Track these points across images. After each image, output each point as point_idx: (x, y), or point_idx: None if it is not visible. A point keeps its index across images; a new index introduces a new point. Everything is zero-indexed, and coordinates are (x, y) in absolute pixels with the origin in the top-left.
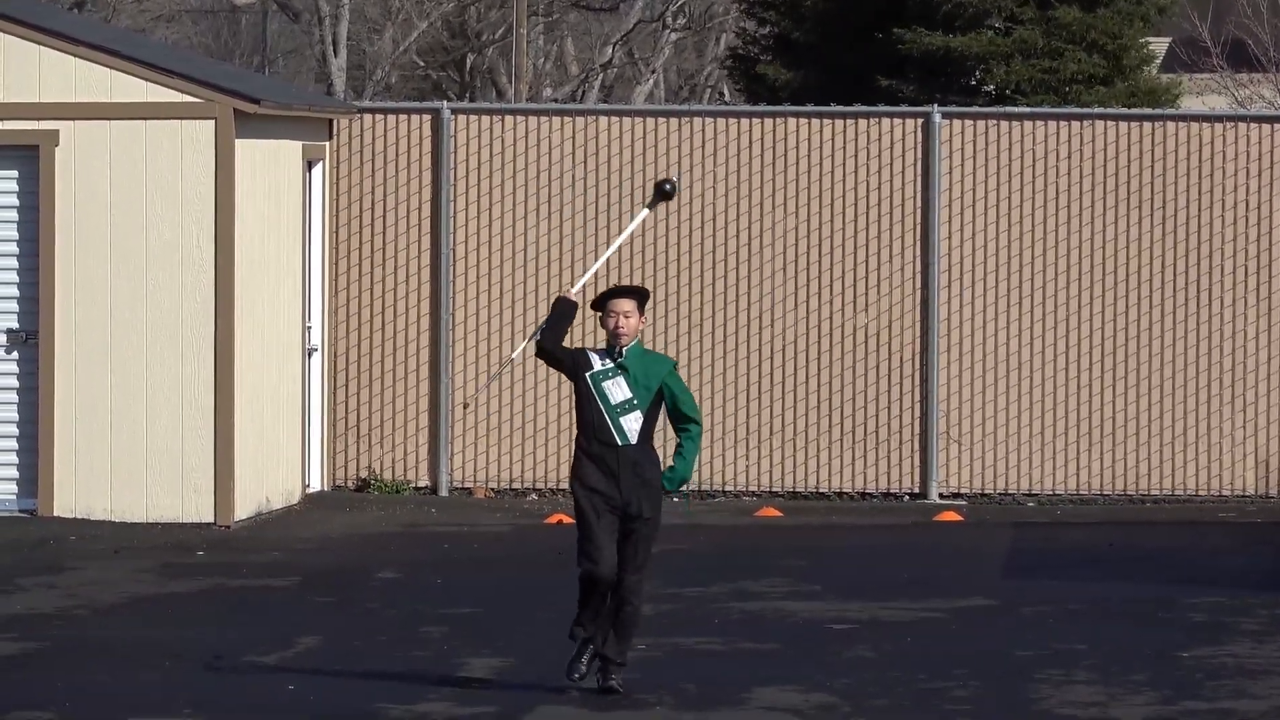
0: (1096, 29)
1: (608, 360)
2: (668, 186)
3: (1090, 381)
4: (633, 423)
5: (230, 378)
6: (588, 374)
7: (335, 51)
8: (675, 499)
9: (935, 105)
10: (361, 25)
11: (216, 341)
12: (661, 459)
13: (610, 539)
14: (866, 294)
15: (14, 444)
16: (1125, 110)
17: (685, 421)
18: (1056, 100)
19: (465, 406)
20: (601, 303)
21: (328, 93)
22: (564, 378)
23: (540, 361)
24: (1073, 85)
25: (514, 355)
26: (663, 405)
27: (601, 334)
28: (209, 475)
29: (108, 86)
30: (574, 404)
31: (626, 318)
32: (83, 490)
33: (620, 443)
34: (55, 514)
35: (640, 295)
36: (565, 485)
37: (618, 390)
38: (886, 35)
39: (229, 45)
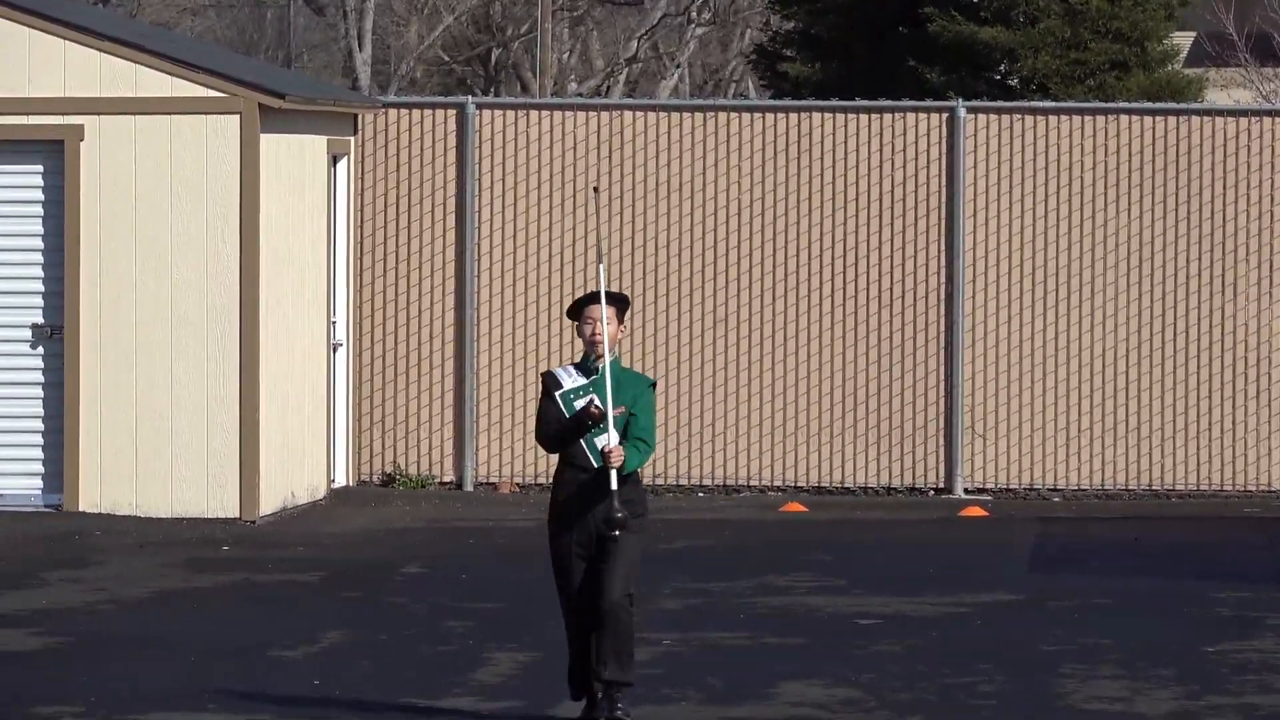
0: (1120, 18)
1: (579, 377)
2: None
3: (1115, 376)
4: (606, 442)
5: (255, 372)
6: (557, 394)
7: (360, 46)
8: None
9: (960, 100)
10: (387, 19)
11: (241, 336)
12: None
13: (583, 581)
14: (892, 288)
15: (39, 439)
16: (1150, 104)
17: (638, 440)
18: (1084, 91)
19: (595, 190)
20: (577, 310)
21: (353, 87)
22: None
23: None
24: (1099, 75)
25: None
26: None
27: (579, 346)
28: (234, 470)
29: (133, 81)
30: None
31: (605, 325)
32: (108, 485)
33: (596, 464)
34: (80, 509)
35: (620, 302)
36: None
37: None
38: (911, 29)
39: (254, 39)
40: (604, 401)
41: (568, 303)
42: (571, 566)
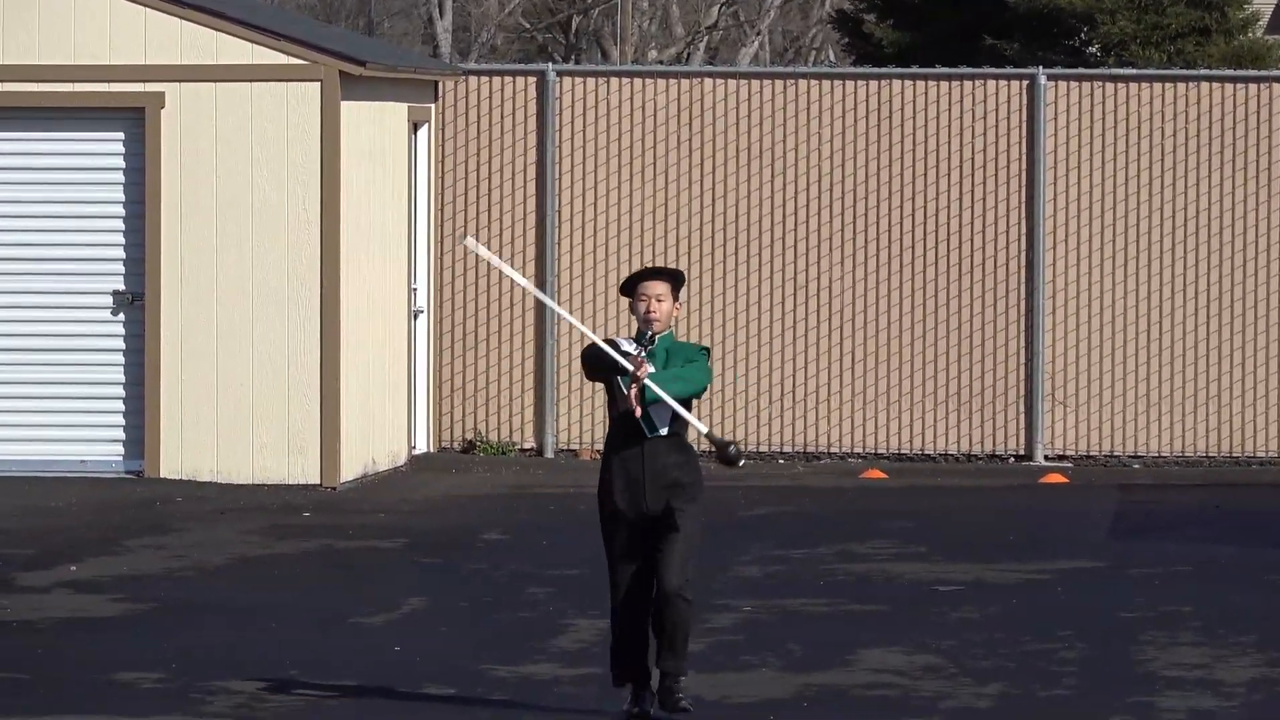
0: None
1: (638, 347)
2: (731, 450)
3: (1196, 343)
4: (662, 411)
5: (336, 339)
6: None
7: (441, 13)
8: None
9: (1040, 67)
10: None
11: (323, 304)
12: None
13: (638, 565)
14: (972, 256)
15: (120, 405)
16: (1230, 71)
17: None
18: (1162, 58)
19: (465, 242)
20: (631, 286)
21: (433, 55)
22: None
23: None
24: (1178, 41)
25: None
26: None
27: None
28: (315, 437)
29: (214, 48)
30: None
31: (659, 301)
32: (189, 451)
33: (649, 434)
34: (161, 475)
35: (675, 278)
36: None
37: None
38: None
39: (335, 6)
40: (656, 372)
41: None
42: (624, 548)
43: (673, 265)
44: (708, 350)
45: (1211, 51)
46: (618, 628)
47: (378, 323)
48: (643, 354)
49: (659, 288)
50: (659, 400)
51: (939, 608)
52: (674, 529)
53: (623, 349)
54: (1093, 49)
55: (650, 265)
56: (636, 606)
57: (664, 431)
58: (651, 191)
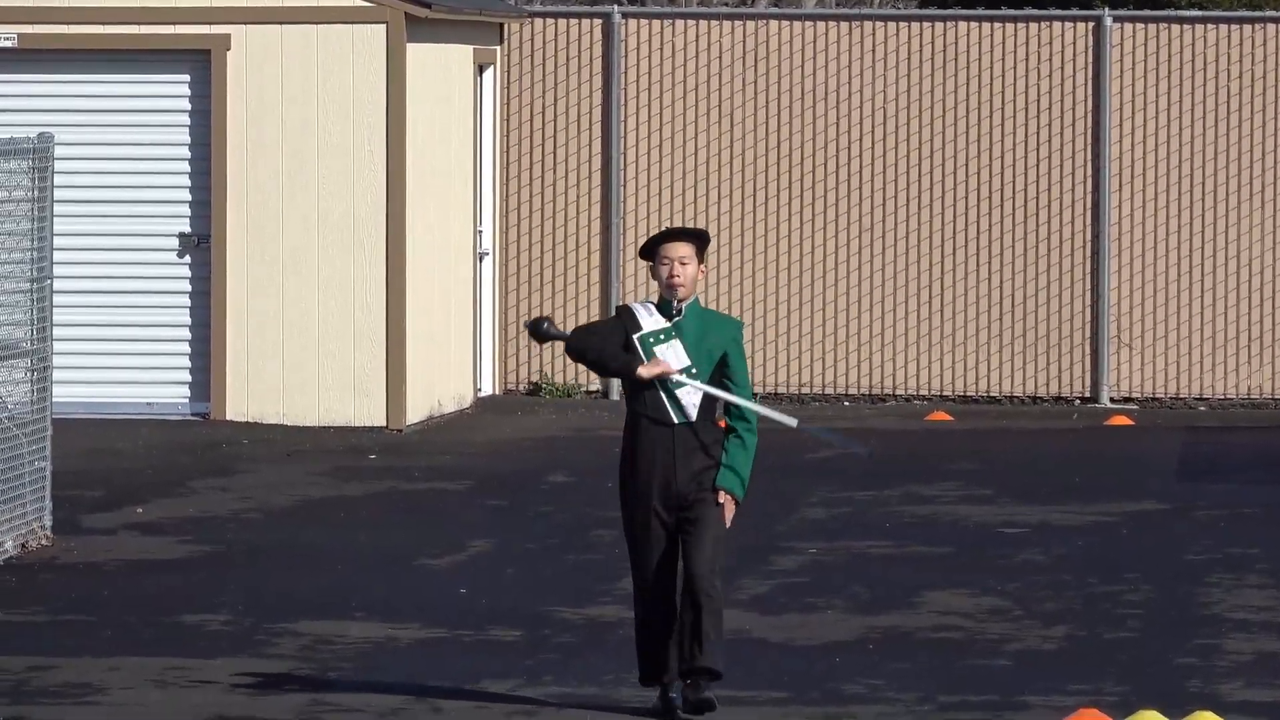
0: None
1: (660, 319)
2: (544, 325)
3: (1262, 285)
4: (692, 395)
5: (402, 281)
6: (636, 336)
7: None
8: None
9: (1106, 9)
10: None
11: (388, 246)
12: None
13: (663, 553)
14: (1038, 198)
15: (186, 347)
16: None
17: (735, 418)
18: (1229, 2)
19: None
20: (651, 249)
21: None
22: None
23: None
24: None
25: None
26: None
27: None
28: (381, 379)
29: None
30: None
31: (683, 264)
32: (255, 394)
33: (676, 420)
34: (227, 417)
35: (699, 238)
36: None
37: (672, 357)
38: None
39: None
40: (686, 349)
41: (712, 212)
42: (649, 539)
43: (737, 208)
44: (743, 325)
45: None
46: (642, 614)
47: (443, 265)
48: (661, 323)
49: (683, 249)
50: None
51: (1004, 550)
52: (705, 516)
53: (645, 326)
54: None
55: (671, 226)
56: (661, 595)
57: (694, 416)
58: (717, 134)
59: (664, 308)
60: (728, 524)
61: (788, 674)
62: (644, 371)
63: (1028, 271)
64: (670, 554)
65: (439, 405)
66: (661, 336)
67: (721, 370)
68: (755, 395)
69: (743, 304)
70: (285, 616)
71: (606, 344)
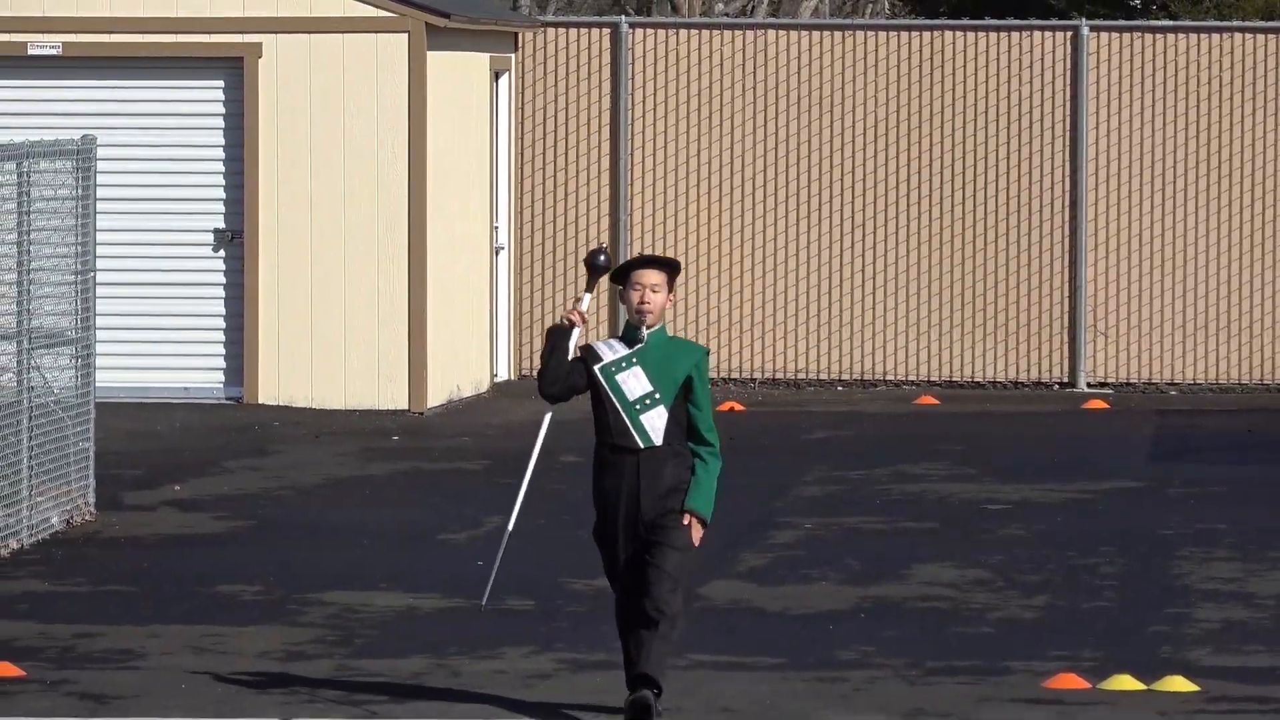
0: None
1: (619, 348)
2: (601, 259)
3: (1229, 277)
4: (655, 420)
5: (423, 275)
6: (597, 367)
7: None
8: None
9: (1083, 19)
10: None
11: (410, 242)
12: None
13: (634, 570)
14: (1019, 196)
15: (221, 335)
16: (1265, 24)
17: (699, 442)
18: (1202, 13)
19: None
20: (624, 274)
21: (514, 7)
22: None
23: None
24: None
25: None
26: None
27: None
28: (403, 365)
29: (308, 2)
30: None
31: (654, 291)
32: (285, 379)
33: (642, 444)
34: (260, 401)
35: (671, 268)
36: (749, 371)
37: (634, 383)
38: None
39: None
40: (647, 374)
41: (715, 211)
42: (616, 553)
43: (737, 205)
44: (707, 352)
45: (1247, 6)
46: (619, 616)
47: (462, 258)
48: (620, 351)
49: (654, 277)
50: (649, 408)
51: (988, 525)
52: (671, 538)
53: (606, 357)
54: (1135, 1)
55: (645, 254)
56: (629, 597)
57: (658, 440)
58: (718, 137)
59: (628, 335)
60: (695, 543)
61: (785, 641)
62: (571, 317)
63: (1010, 265)
64: (638, 568)
65: (458, 390)
66: (623, 364)
67: (685, 396)
68: (754, 382)
69: (743, 295)
70: (314, 587)
71: (569, 368)
